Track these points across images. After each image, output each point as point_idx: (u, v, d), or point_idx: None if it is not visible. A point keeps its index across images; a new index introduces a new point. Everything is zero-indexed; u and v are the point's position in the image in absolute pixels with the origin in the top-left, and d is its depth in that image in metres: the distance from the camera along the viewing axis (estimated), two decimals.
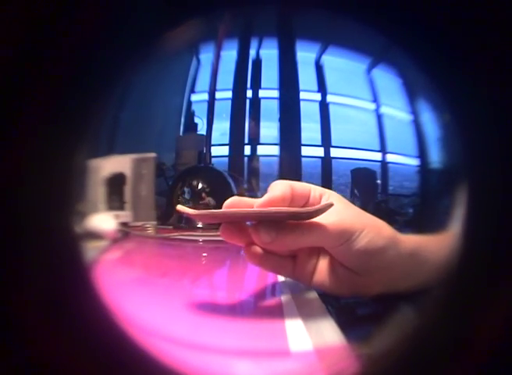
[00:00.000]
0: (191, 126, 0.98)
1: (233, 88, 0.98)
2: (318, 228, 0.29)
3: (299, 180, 0.33)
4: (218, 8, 0.13)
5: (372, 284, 0.31)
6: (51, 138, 0.11)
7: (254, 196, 0.34)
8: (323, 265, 0.33)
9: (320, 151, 0.95)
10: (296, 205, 0.31)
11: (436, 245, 0.31)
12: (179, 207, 0.31)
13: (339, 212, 0.30)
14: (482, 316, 0.12)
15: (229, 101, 0.99)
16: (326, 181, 0.95)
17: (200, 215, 0.31)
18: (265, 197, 0.30)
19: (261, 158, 0.95)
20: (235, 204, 0.31)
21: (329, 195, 0.33)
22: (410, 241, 0.32)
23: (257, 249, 0.31)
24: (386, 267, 0.31)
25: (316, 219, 0.29)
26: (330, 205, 0.28)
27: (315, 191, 0.33)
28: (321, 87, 0.97)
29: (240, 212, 0.29)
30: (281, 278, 0.39)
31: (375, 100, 1.01)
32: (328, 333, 0.26)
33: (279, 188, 0.31)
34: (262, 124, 0.99)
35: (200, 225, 0.69)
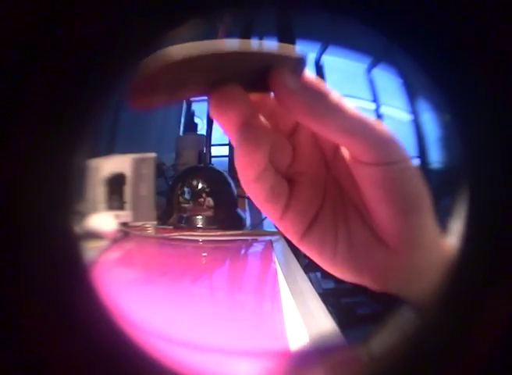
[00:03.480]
0: (191, 126, 0.98)
1: None
2: (362, 118, 0.19)
3: None
4: (218, 8, 0.13)
5: (394, 265, 0.21)
6: (50, 138, 0.11)
7: None
8: (331, 212, 0.22)
9: None
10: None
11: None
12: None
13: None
14: (482, 316, 0.12)
15: None
16: None
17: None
18: None
19: None
20: None
21: None
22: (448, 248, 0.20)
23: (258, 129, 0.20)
24: (420, 244, 0.20)
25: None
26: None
27: None
28: None
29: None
30: (281, 278, 0.39)
31: (375, 100, 1.01)
32: (328, 333, 0.26)
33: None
34: None
35: (200, 225, 0.69)
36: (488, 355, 0.12)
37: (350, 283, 0.23)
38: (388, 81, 0.97)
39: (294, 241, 0.22)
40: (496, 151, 0.12)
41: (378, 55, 0.94)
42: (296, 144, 0.22)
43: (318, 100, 0.19)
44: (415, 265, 0.21)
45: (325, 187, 0.22)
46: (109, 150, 0.73)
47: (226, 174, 0.75)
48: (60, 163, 0.11)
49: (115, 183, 0.69)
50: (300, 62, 0.19)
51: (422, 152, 0.94)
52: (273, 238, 0.59)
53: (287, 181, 0.21)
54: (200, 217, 0.69)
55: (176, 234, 0.62)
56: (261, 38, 0.95)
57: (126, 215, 0.68)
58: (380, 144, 0.19)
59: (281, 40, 0.91)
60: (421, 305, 0.16)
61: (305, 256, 0.25)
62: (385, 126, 0.19)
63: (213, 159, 0.88)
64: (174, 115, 1.07)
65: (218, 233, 0.63)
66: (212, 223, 0.68)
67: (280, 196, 0.21)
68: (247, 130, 0.19)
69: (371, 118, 0.19)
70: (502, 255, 0.12)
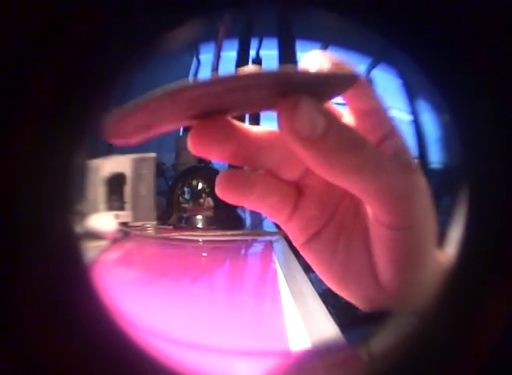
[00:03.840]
0: (191, 126, 0.97)
1: None
2: (390, 179, 0.16)
3: None
4: (218, 8, 0.13)
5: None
6: (50, 138, 0.11)
7: None
8: (335, 231, 0.20)
9: None
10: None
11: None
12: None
13: None
14: (482, 316, 0.12)
15: None
16: None
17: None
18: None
19: None
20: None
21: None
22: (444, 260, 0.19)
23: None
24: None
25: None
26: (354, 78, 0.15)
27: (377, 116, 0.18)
28: None
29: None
30: (281, 278, 0.39)
31: None
32: (328, 333, 0.26)
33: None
34: (262, 124, 0.99)
35: (199, 225, 0.69)
36: (488, 355, 0.12)
37: None
38: (388, 81, 0.97)
39: (296, 245, 0.21)
40: (496, 151, 0.12)
41: (378, 56, 0.94)
42: None
43: (342, 158, 0.15)
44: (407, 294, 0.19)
45: (338, 205, 0.20)
46: (109, 150, 0.73)
47: None
48: (60, 163, 0.11)
49: (115, 183, 0.69)
50: (345, 83, 0.15)
51: (422, 152, 0.94)
52: (273, 238, 0.59)
53: (298, 190, 0.19)
54: (200, 217, 0.69)
55: (175, 234, 0.62)
56: (260, 38, 0.95)
57: (126, 215, 0.68)
58: (402, 209, 0.17)
59: (281, 40, 0.92)
60: (417, 310, 0.16)
61: None
62: (411, 183, 0.17)
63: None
64: None
65: (218, 233, 0.63)
66: (212, 223, 0.68)
67: (285, 206, 0.19)
68: (231, 180, 0.18)
69: (396, 172, 0.16)
70: (502, 255, 0.12)
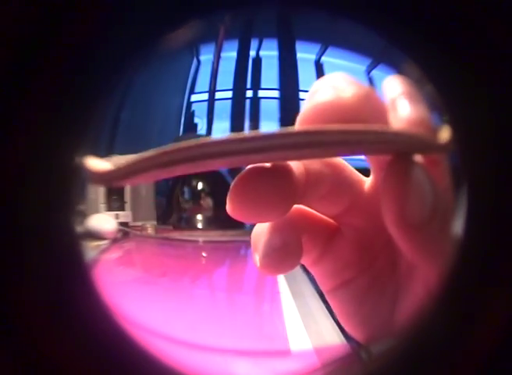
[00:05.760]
0: (191, 126, 0.98)
1: (233, 88, 0.98)
2: None
3: None
4: (219, 9, 0.13)
5: None
6: (51, 138, 0.11)
7: None
8: (375, 274, 0.17)
9: None
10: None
11: None
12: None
13: None
14: (482, 316, 0.12)
15: (229, 101, 0.99)
16: None
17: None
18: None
19: None
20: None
21: None
22: None
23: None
24: None
25: None
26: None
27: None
28: None
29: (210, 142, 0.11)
30: (281, 278, 0.39)
31: None
32: (328, 333, 0.26)
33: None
34: (262, 124, 0.99)
35: (199, 225, 0.69)
36: (488, 355, 0.12)
37: None
38: None
39: (322, 290, 0.18)
40: (496, 152, 0.12)
41: (378, 56, 0.94)
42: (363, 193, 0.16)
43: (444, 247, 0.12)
44: None
45: (378, 254, 0.17)
46: (109, 150, 0.73)
47: (226, 174, 0.75)
48: (61, 163, 0.11)
49: None
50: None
51: None
52: None
53: (333, 228, 0.16)
54: (199, 217, 0.69)
55: (176, 234, 0.62)
56: (261, 38, 0.95)
57: (126, 215, 0.68)
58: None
59: (281, 40, 0.92)
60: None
61: None
62: None
63: None
64: (174, 115, 1.07)
65: (218, 233, 0.63)
66: (212, 224, 0.68)
67: (315, 247, 0.16)
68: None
69: None
70: (502, 255, 0.12)
